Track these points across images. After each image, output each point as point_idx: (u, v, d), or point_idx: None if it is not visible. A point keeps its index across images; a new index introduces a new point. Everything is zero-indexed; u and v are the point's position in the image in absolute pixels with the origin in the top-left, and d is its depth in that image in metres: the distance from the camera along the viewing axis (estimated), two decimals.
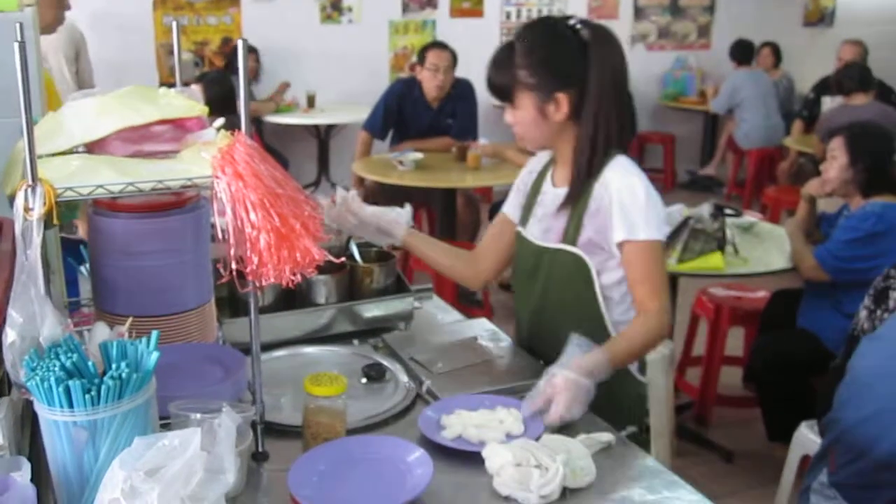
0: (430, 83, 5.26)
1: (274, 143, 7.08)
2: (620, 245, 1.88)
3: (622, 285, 1.93)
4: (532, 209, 2.06)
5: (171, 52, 7.15)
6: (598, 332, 1.87)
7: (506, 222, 2.16)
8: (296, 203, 1.38)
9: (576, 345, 1.76)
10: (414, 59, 5.93)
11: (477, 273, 2.22)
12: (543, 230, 2.00)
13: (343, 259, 2.12)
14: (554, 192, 2.00)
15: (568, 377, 1.65)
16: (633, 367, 2.00)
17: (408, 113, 5.44)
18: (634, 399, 2.02)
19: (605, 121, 1.89)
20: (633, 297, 1.91)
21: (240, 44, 1.33)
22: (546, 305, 2.00)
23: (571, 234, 1.93)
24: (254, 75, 7.04)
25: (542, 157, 2.12)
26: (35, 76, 1.99)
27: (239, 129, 1.40)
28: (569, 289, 1.95)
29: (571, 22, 1.91)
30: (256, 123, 6.72)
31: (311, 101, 7.33)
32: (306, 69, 7.49)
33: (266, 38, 7.29)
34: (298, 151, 7.58)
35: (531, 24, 1.98)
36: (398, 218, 2.16)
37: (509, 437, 1.59)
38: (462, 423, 1.64)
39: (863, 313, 3.05)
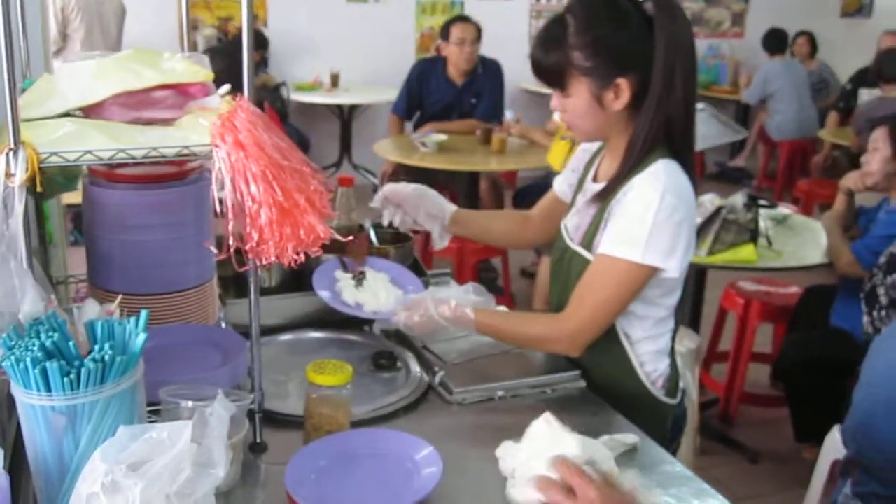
0: (458, 57, 5.19)
1: (296, 123, 7.00)
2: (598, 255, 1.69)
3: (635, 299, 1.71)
4: (576, 197, 1.88)
5: (195, 27, 7.12)
6: (612, 343, 1.74)
7: (554, 199, 2.03)
8: (301, 176, 1.27)
9: (472, 291, 1.82)
10: (438, 40, 5.82)
11: (524, 237, 2.15)
12: (575, 226, 1.83)
13: (353, 238, 2.01)
14: (592, 188, 1.80)
15: (432, 315, 1.71)
16: (658, 390, 1.78)
17: (431, 90, 5.38)
18: (656, 425, 1.75)
19: (668, 111, 1.64)
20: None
21: (243, 2, 1.23)
22: (561, 307, 1.77)
23: (589, 238, 1.74)
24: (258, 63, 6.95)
25: None
26: (38, 34, 1.90)
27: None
28: None
29: None
30: (280, 102, 6.61)
31: (334, 80, 7.24)
32: (331, 48, 7.39)
33: (292, 16, 7.21)
34: (321, 132, 7.49)
35: None
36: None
37: (358, 306, 1.81)
38: (350, 284, 1.84)
39: (865, 320, 2.94)
